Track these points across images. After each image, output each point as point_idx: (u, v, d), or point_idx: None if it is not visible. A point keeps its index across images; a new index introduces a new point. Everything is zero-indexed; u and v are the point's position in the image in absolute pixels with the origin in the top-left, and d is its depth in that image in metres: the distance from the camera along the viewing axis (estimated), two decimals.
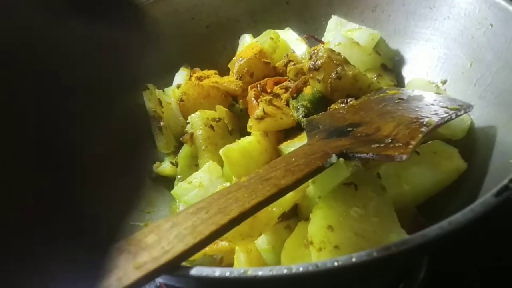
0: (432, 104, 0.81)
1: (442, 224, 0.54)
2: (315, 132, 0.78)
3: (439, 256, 0.95)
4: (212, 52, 1.18)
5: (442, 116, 0.76)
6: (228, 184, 0.88)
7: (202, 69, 1.12)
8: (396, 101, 0.84)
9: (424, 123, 0.74)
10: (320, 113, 0.86)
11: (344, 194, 0.72)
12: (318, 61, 0.91)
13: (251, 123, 0.88)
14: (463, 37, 0.95)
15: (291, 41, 1.11)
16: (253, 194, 0.63)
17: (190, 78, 1.08)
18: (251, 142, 0.85)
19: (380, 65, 1.06)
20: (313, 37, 1.15)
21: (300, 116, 0.88)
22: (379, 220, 0.69)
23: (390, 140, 0.70)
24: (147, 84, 1.00)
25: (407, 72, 1.07)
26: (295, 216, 0.80)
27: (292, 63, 1.00)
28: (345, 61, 0.92)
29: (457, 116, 0.78)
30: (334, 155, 0.69)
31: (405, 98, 0.85)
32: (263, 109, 0.86)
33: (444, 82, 0.99)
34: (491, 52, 0.88)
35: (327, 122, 0.81)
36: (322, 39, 1.15)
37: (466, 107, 0.81)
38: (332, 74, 0.91)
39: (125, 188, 0.33)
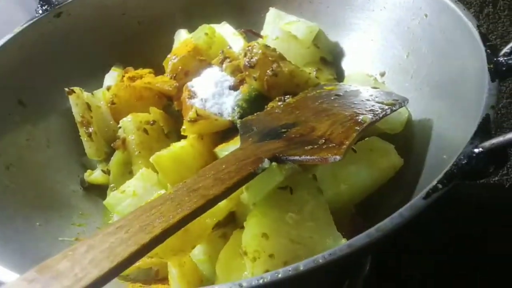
0: (368, 100, 0.79)
1: (370, 232, 0.51)
2: (249, 135, 0.74)
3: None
4: (146, 49, 1.12)
5: (377, 112, 0.74)
6: (163, 191, 0.84)
7: (135, 68, 1.06)
8: (332, 98, 0.82)
9: (359, 120, 0.72)
10: (255, 114, 0.82)
11: (279, 199, 0.69)
12: (253, 58, 0.88)
13: (184, 126, 0.84)
14: (399, 28, 0.94)
15: (228, 35, 1.06)
16: (179, 208, 0.59)
17: (122, 78, 1.02)
18: (184, 147, 0.81)
19: (320, 59, 1.04)
20: (251, 31, 1.11)
21: (236, 117, 0.85)
22: (314, 224, 0.67)
23: (323, 141, 0.68)
24: (73, 87, 0.94)
25: (347, 65, 1.05)
26: (233, 222, 0.77)
27: (228, 60, 0.96)
28: (281, 57, 0.89)
29: (392, 111, 0.77)
30: (266, 159, 0.66)
31: (341, 94, 0.83)
32: (196, 111, 0.82)
33: (382, 74, 0.97)
34: (426, 43, 0.87)
35: (262, 123, 0.78)
36: (261, 33, 1.11)
37: (401, 102, 0.79)
38: (268, 71, 0.87)
39: None
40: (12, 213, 0.81)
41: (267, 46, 0.90)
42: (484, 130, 0.59)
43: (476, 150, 0.55)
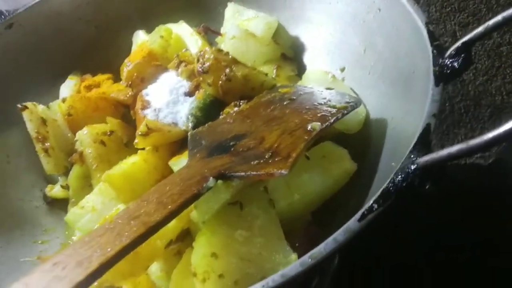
0: (321, 104, 0.78)
1: (303, 260, 0.51)
2: (197, 150, 0.73)
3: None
4: (105, 53, 1.10)
5: (327, 118, 0.73)
6: (121, 206, 0.83)
7: (95, 74, 1.05)
8: (285, 103, 0.80)
9: (308, 129, 0.71)
10: (207, 124, 0.81)
11: (228, 216, 0.68)
12: (205, 64, 0.86)
13: (137, 139, 0.83)
14: (356, 21, 0.91)
15: (186, 36, 1.04)
16: (118, 238, 0.58)
17: (79, 88, 1.00)
18: (136, 163, 0.79)
19: (280, 55, 1.01)
20: (209, 28, 1.08)
21: (190, 126, 0.83)
22: (264, 240, 0.67)
23: (270, 154, 0.67)
24: (26, 103, 0.92)
25: (308, 59, 1.03)
26: (189, 236, 0.77)
27: (184, 64, 0.94)
28: (234, 61, 0.87)
29: (343, 115, 0.75)
30: (211, 178, 0.65)
31: (295, 97, 0.82)
32: (147, 125, 0.81)
33: (342, 69, 0.95)
34: (381, 39, 0.85)
35: (211, 136, 0.76)
36: (221, 29, 1.09)
37: (354, 104, 0.78)
38: (222, 76, 0.85)
39: None
40: None
41: (219, 51, 0.88)
42: (423, 142, 0.58)
43: (412, 167, 0.54)
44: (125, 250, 0.57)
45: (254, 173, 0.65)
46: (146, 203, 0.63)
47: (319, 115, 0.74)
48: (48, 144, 0.91)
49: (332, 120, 0.73)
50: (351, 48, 0.93)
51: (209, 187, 0.65)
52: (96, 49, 1.10)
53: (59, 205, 0.95)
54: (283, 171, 0.64)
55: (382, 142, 0.77)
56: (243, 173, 0.66)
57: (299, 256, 0.66)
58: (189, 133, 0.79)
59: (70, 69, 1.07)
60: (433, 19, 1.25)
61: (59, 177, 0.96)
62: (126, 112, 0.99)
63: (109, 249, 0.56)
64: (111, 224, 0.60)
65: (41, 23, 1.04)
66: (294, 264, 0.51)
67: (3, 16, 0.99)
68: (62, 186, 0.92)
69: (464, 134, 1.19)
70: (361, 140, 0.82)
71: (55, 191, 0.92)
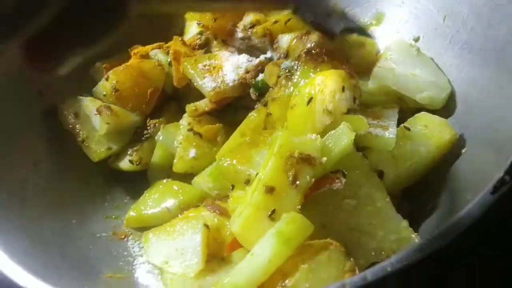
0: None
1: (442, 233, 0.49)
2: None
3: None
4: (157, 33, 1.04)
5: None
6: None
7: None
8: None
9: None
10: None
11: None
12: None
13: None
14: None
15: None
16: None
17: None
18: None
19: None
20: None
21: None
22: (373, 208, 0.65)
23: None
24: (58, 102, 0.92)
25: (378, 30, 0.98)
26: None
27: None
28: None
29: None
30: None
31: None
32: None
33: (416, 40, 0.91)
34: (465, 6, 0.81)
35: None
36: None
37: None
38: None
39: None
40: (44, 212, 0.79)
41: None
42: None
43: None
44: None
45: None
46: None
47: None
48: (82, 135, 0.90)
49: None
50: (427, 16, 0.89)
51: None
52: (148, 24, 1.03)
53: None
54: None
55: (471, 117, 0.75)
56: None
57: None
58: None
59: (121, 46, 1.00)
60: None
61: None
62: None
63: None
64: None
65: None
66: (430, 239, 0.49)
67: None
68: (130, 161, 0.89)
69: None
70: (446, 114, 0.79)
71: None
